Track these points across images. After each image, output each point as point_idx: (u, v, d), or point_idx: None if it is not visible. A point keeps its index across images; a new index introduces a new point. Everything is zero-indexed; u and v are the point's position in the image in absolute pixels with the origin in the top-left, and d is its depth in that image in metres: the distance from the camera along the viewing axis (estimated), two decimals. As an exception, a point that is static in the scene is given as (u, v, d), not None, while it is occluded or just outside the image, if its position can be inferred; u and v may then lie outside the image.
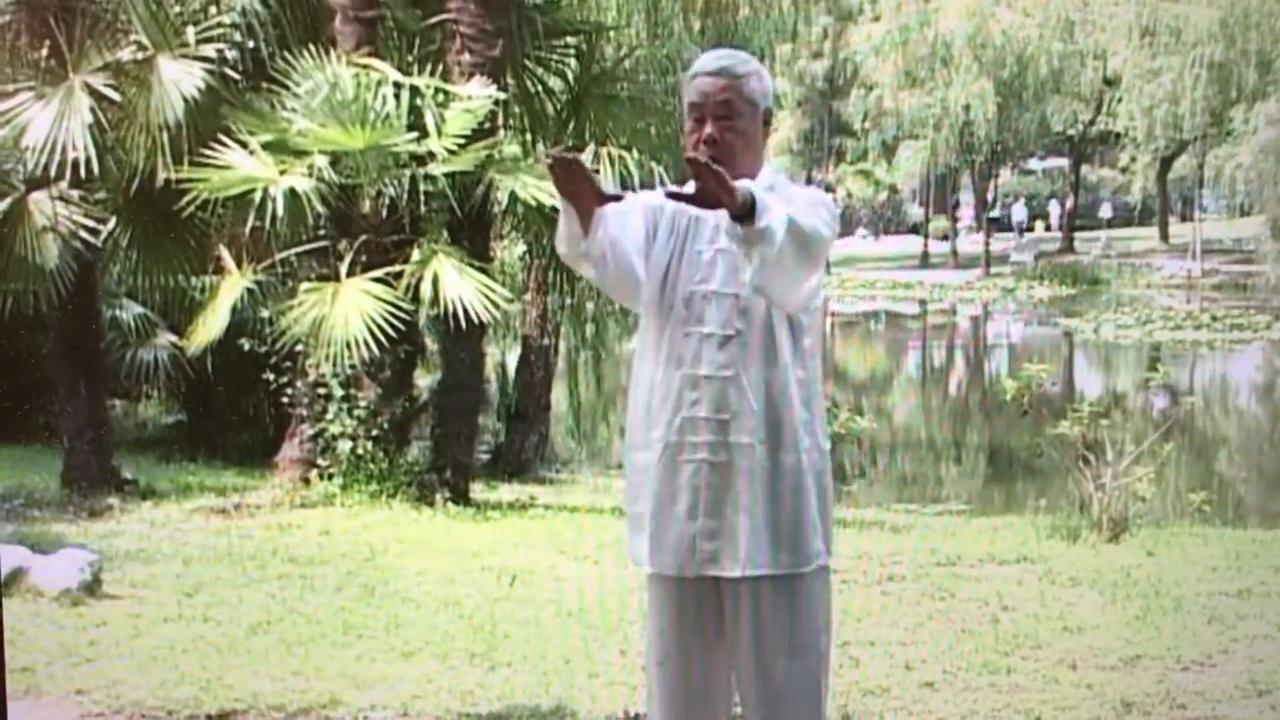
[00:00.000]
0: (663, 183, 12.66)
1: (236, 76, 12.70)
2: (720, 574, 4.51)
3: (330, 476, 12.37)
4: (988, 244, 58.50)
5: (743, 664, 4.59)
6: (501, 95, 12.79)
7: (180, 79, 12.08)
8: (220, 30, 12.53)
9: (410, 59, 12.89)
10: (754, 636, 4.55)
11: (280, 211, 11.81)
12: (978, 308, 51.04)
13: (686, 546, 4.53)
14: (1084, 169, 68.24)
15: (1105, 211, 67.49)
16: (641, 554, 4.64)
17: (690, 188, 4.26)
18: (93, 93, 12.06)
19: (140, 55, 12.32)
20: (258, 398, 15.06)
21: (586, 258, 4.50)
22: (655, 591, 4.70)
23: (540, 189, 12.22)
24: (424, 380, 13.99)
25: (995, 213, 65.57)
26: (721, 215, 4.32)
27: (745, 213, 4.18)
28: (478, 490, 13.30)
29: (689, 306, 4.55)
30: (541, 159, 3.75)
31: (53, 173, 12.02)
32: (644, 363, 4.67)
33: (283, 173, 11.97)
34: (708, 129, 4.53)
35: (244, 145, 12.07)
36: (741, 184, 4.20)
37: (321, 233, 12.59)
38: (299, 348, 12.36)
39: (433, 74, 12.52)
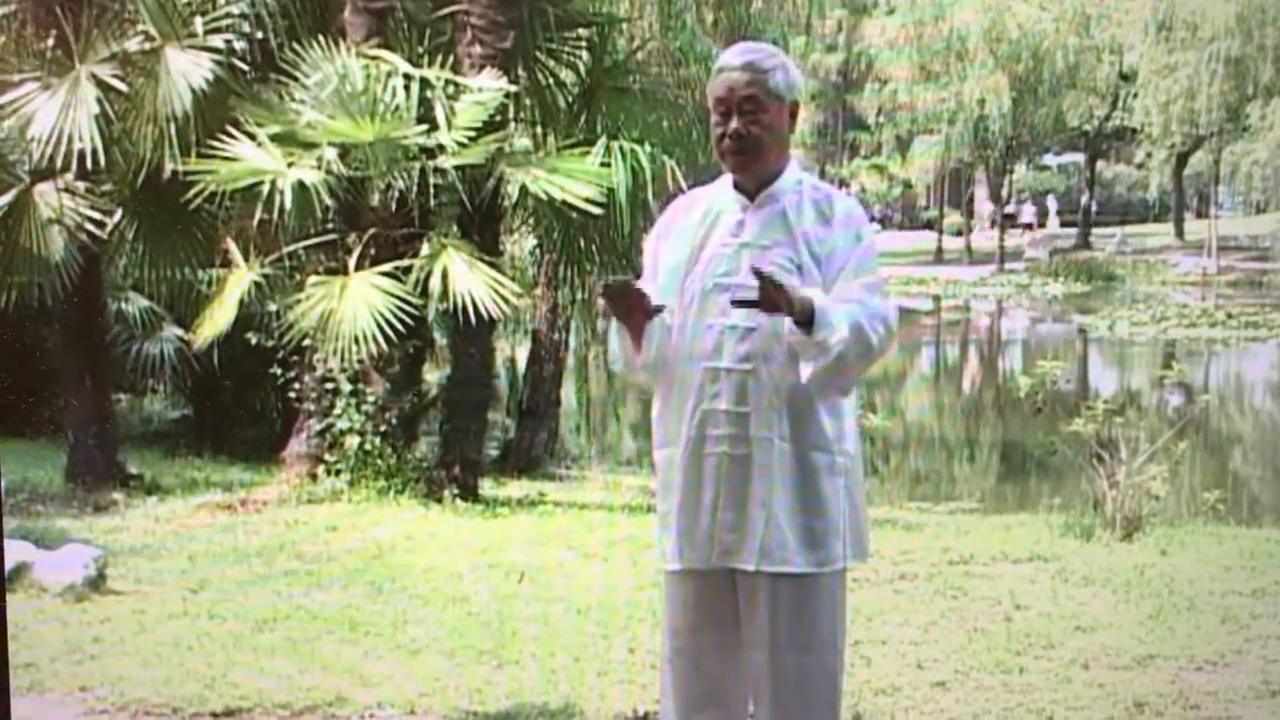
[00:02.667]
0: (675, 180, 12.58)
1: (245, 67, 12.66)
2: (737, 566, 4.52)
3: (337, 472, 12.31)
4: (1002, 240, 58.47)
5: (756, 661, 4.60)
6: (512, 88, 12.72)
7: (188, 70, 12.05)
8: (228, 20, 12.49)
9: (420, 51, 12.82)
10: (768, 633, 4.55)
11: (288, 204, 11.76)
12: (992, 304, 50.98)
13: (707, 538, 4.55)
14: (1099, 164, 68.21)
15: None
16: (670, 550, 4.65)
17: (749, 283, 4.38)
18: (99, 83, 12.04)
19: (148, 46, 12.30)
20: (264, 392, 15.04)
21: (642, 370, 4.64)
22: (673, 586, 4.72)
23: (551, 183, 12.18)
24: (433, 375, 13.92)
25: (1010, 208, 65.44)
26: (749, 219, 4.57)
27: (806, 320, 4.35)
28: (487, 487, 13.25)
29: (711, 299, 4.56)
30: (596, 289, 3.77)
31: (58, 164, 12.00)
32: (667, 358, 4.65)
33: (291, 165, 11.91)
34: (733, 124, 4.55)
35: (252, 137, 12.02)
36: (806, 293, 4.37)
37: (330, 226, 12.53)
38: (306, 342, 12.31)
39: (443, 66, 12.46)
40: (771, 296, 4.29)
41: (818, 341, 4.33)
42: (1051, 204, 68.84)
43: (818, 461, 4.53)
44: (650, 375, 4.67)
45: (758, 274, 4.30)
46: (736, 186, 4.64)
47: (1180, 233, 61.76)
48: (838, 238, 4.57)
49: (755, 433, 4.49)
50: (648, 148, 12.86)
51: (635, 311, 4.52)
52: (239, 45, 12.57)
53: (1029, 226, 65.03)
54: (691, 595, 4.65)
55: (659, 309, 4.52)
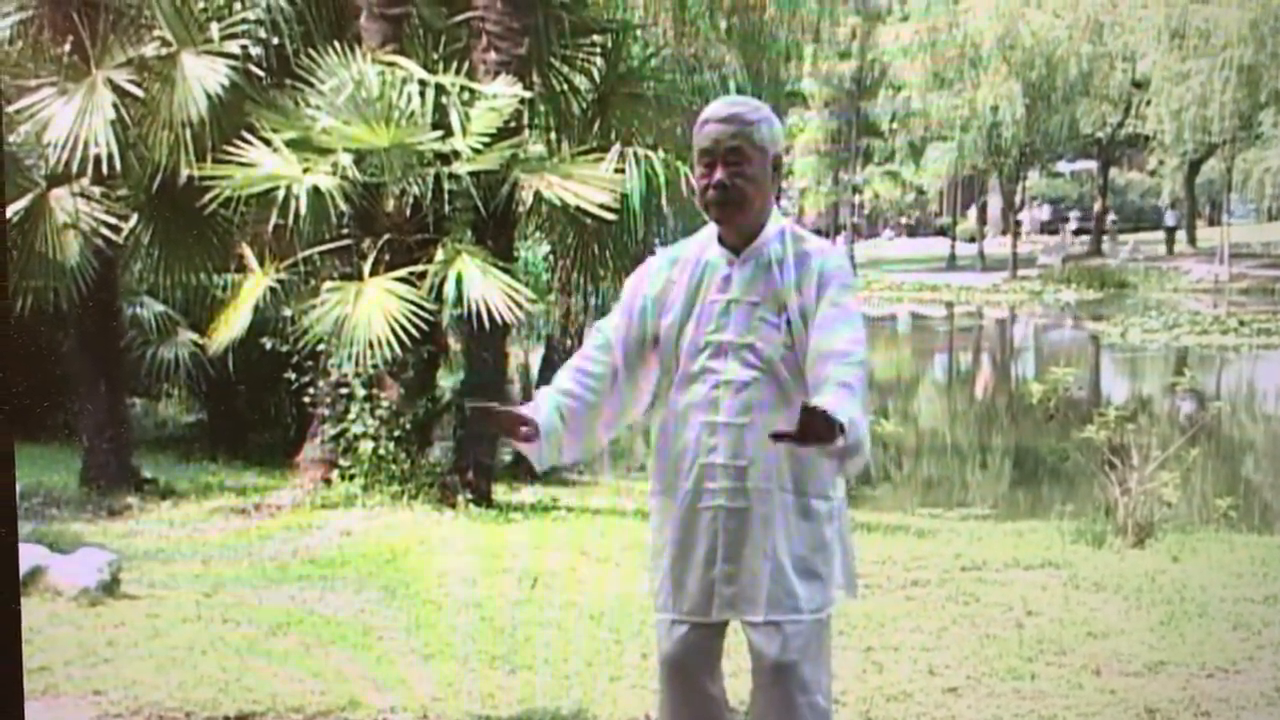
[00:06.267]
0: (688, 186, 12.60)
1: (260, 73, 12.70)
2: (741, 618, 4.61)
3: (351, 477, 12.32)
4: (1015, 247, 58.31)
5: (762, 701, 4.67)
6: (527, 94, 12.75)
7: (204, 75, 12.08)
8: (244, 26, 12.54)
9: (435, 57, 12.86)
10: (774, 676, 4.61)
11: (303, 209, 11.79)
12: (1004, 310, 50.84)
13: (706, 592, 4.63)
14: (1112, 172, 68.02)
15: (1044, 212, 67.34)
16: (662, 598, 4.74)
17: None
18: (115, 88, 12.07)
19: (164, 51, 12.32)
20: (279, 397, 15.00)
21: (563, 458, 4.83)
22: (666, 628, 4.77)
23: (565, 189, 12.21)
24: (447, 381, 13.92)
25: (1023, 215, 65.33)
26: (736, 275, 4.65)
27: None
28: (500, 492, 13.24)
29: (704, 355, 4.63)
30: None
31: (74, 169, 12.03)
32: (663, 408, 4.78)
33: (306, 170, 11.94)
34: (718, 175, 4.59)
35: (267, 143, 12.05)
36: (829, 409, 4.19)
37: (345, 231, 12.55)
38: (321, 347, 12.33)
39: (458, 72, 12.49)
40: (815, 432, 4.16)
41: (853, 444, 4.26)
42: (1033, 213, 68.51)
43: (818, 508, 4.62)
44: (577, 456, 4.93)
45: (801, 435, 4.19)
46: (721, 241, 4.70)
47: (1192, 240, 61.59)
48: (818, 290, 4.59)
49: (754, 484, 4.56)
50: (661, 154, 12.90)
51: (512, 428, 4.68)
52: (255, 51, 12.63)
53: (1054, 231, 64.83)
54: (681, 634, 4.72)
55: (533, 426, 4.65)
